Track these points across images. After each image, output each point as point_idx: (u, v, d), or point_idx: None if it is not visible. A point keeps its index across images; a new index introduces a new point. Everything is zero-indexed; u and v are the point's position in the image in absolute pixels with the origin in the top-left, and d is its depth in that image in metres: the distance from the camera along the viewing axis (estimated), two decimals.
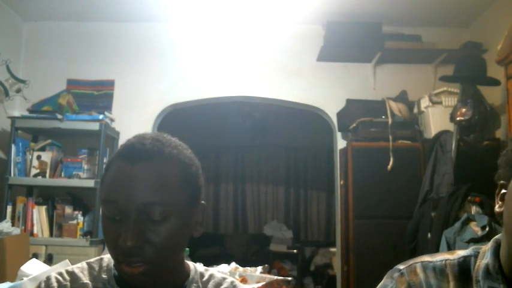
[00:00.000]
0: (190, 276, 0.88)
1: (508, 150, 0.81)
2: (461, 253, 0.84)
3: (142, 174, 0.77)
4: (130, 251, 0.74)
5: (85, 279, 0.83)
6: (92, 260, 0.89)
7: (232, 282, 0.91)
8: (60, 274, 0.84)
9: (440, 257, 0.84)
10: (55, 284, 0.81)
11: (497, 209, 0.80)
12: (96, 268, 0.86)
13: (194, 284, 0.87)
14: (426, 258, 0.85)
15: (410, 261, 0.85)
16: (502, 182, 0.80)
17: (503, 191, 0.79)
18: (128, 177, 0.77)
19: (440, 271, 0.81)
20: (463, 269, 0.81)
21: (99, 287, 0.83)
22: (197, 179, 0.85)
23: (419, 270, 0.82)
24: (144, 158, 0.78)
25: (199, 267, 0.93)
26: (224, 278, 0.92)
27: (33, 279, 1.33)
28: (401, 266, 0.85)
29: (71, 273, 0.84)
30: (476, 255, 0.83)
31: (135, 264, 0.75)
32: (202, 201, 0.87)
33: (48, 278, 0.83)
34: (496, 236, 0.82)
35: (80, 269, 0.86)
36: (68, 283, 0.82)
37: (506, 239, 0.76)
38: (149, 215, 0.76)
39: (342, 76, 3.60)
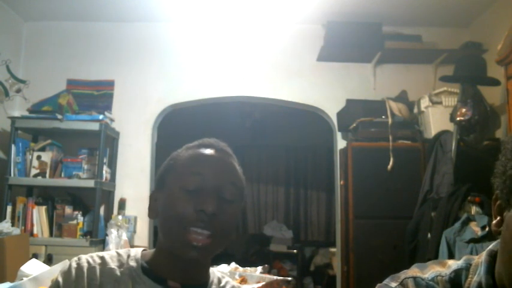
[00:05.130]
0: (211, 278, 0.95)
1: (504, 158, 0.73)
2: (452, 266, 0.78)
3: (223, 158, 0.92)
4: (206, 218, 0.83)
5: (113, 264, 0.89)
6: (120, 250, 0.95)
7: None
8: (91, 256, 0.90)
9: (432, 272, 0.78)
10: (85, 264, 0.87)
11: (494, 226, 0.74)
12: (125, 257, 0.91)
13: (214, 286, 0.94)
14: (418, 272, 0.79)
15: (402, 276, 0.79)
16: (497, 192, 0.74)
17: (499, 202, 0.73)
18: (212, 157, 0.91)
19: None
20: (455, 285, 0.76)
21: (125, 273, 0.88)
22: (244, 191, 0.97)
23: None
24: (220, 149, 0.93)
25: (218, 272, 1.00)
26: (239, 287, 0.99)
27: (33, 280, 1.33)
28: (393, 284, 0.79)
29: (101, 257, 0.90)
30: (468, 267, 0.77)
31: (202, 232, 0.83)
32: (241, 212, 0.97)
33: (79, 258, 0.89)
34: (490, 247, 0.76)
35: (110, 255, 0.91)
36: (97, 266, 0.88)
37: (503, 258, 0.70)
38: (222, 193, 0.87)
39: (342, 76, 3.60)
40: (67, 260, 0.91)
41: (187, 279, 0.89)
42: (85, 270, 0.86)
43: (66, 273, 0.86)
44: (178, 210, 0.85)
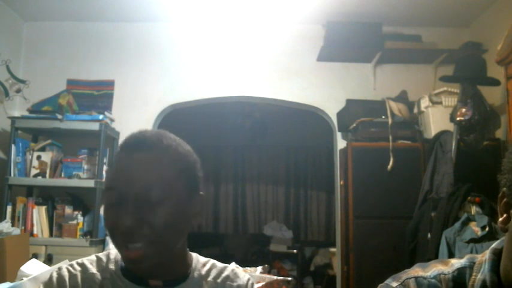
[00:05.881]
0: (193, 265, 0.92)
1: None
2: (455, 264, 0.78)
3: (140, 160, 0.82)
4: (130, 233, 0.78)
5: (94, 269, 0.88)
6: (100, 253, 0.93)
7: (233, 270, 0.96)
8: (71, 265, 0.89)
9: (435, 271, 0.77)
10: (66, 274, 0.86)
11: (500, 224, 0.72)
12: (104, 260, 0.91)
13: (196, 272, 0.92)
14: (419, 271, 0.78)
15: (403, 276, 0.79)
16: (504, 189, 0.72)
17: (506, 199, 0.73)
18: (128, 164, 0.83)
19: None
20: (458, 284, 0.75)
21: (106, 277, 0.87)
22: (195, 170, 0.89)
23: None
24: (143, 147, 0.84)
25: (201, 257, 0.97)
26: (225, 266, 0.97)
27: (33, 279, 1.33)
28: (394, 284, 0.78)
29: (81, 264, 0.89)
30: (471, 266, 0.76)
31: (135, 246, 0.79)
32: (201, 192, 0.91)
33: (59, 269, 0.88)
34: (494, 245, 0.76)
35: (90, 260, 0.90)
36: (78, 273, 0.87)
37: (510, 256, 0.69)
38: (147, 197, 0.80)
39: (342, 76, 3.60)
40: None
41: (166, 275, 0.87)
42: (67, 279, 0.85)
43: (48, 285, 0.86)
44: (108, 229, 0.83)
